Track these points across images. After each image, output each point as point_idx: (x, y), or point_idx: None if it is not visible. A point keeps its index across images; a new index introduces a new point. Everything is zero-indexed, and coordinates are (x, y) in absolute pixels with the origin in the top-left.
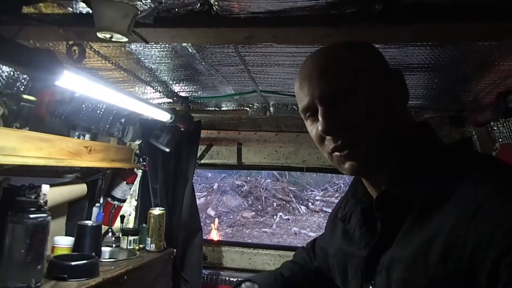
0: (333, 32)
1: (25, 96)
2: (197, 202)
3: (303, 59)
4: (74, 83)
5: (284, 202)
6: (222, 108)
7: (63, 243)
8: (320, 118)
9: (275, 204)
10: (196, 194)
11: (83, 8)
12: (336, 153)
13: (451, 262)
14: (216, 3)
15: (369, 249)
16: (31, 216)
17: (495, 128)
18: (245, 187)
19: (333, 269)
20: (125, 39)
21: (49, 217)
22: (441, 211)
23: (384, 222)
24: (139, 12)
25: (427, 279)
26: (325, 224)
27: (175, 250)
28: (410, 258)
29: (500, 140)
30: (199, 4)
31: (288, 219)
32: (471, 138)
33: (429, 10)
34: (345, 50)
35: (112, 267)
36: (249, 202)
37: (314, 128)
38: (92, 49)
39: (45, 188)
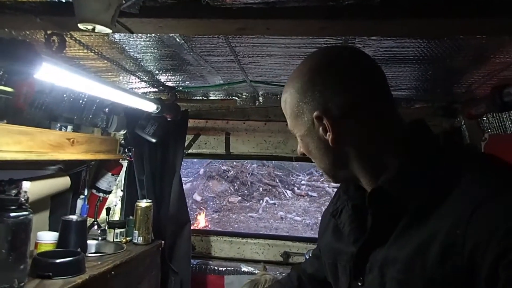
0: (330, 25)
1: (1, 87)
2: (183, 187)
3: (296, 50)
4: (53, 75)
5: (270, 187)
6: (210, 98)
7: (47, 238)
8: None
9: (261, 189)
10: (182, 179)
11: None
12: None
13: (449, 263)
14: None
15: (358, 245)
16: (12, 214)
17: (485, 119)
18: (231, 172)
19: (325, 267)
20: (108, 31)
21: (31, 215)
22: (439, 211)
23: (376, 218)
24: (124, 2)
25: (424, 280)
26: (310, 208)
27: (163, 242)
28: (407, 258)
29: (490, 130)
30: None
31: (274, 204)
32: (460, 129)
33: (430, 3)
34: (286, 97)
35: (99, 263)
36: (236, 187)
37: None
38: (73, 38)
39: (25, 185)
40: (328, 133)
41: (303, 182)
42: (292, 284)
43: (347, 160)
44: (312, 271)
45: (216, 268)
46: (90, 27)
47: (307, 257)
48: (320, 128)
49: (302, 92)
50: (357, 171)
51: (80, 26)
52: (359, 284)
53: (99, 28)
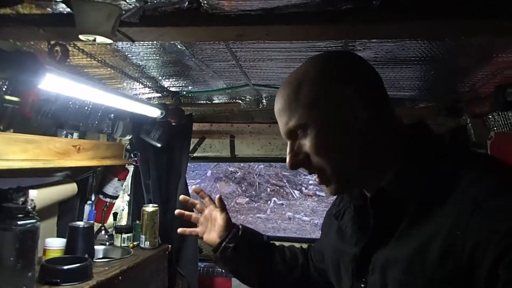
0: (329, 29)
1: (7, 97)
2: (190, 190)
3: (296, 54)
4: (58, 84)
5: (277, 187)
6: (214, 101)
7: (54, 245)
8: (287, 153)
9: (268, 189)
10: (190, 181)
11: (63, 8)
12: (315, 177)
13: (449, 262)
14: (205, 1)
15: (360, 246)
16: (20, 222)
17: (490, 117)
18: (239, 173)
19: (328, 268)
20: (109, 41)
21: (38, 222)
22: (439, 212)
23: (378, 220)
24: (124, 12)
25: (425, 280)
26: (318, 208)
27: (170, 246)
28: (407, 259)
29: (495, 128)
30: (187, 2)
31: (282, 204)
32: (465, 127)
33: (430, 5)
34: (297, 86)
35: (106, 268)
36: (243, 188)
37: None
38: (76, 47)
39: (32, 193)
40: (363, 111)
41: (310, 182)
42: (304, 258)
43: (364, 155)
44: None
45: (223, 271)
46: (91, 38)
47: None
48: (352, 109)
49: (328, 72)
50: (365, 172)
51: (81, 37)
52: (362, 285)
53: (100, 39)
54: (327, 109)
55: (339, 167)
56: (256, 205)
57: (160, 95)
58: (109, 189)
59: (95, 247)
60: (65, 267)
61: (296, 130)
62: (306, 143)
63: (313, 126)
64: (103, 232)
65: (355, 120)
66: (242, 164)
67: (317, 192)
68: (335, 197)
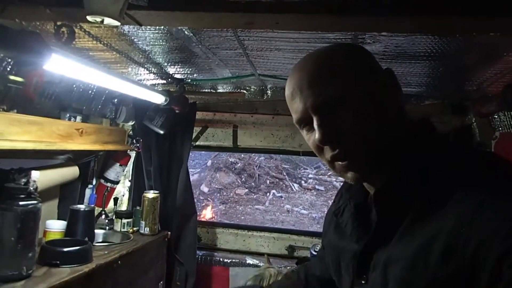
0: (340, 20)
1: (11, 77)
2: (191, 179)
3: (305, 45)
4: (63, 66)
5: (277, 180)
6: (218, 90)
7: (55, 227)
8: (315, 128)
9: (268, 181)
10: (190, 170)
11: None
12: (336, 162)
13: (452, 261)
14: None
15: (362, 244)
16: (21, 203)
17: (496, 116)
18: (239, 164)
19: (329, 265)
20: (117, 23)
21: (40, 203)
22: (442, 210)
23: (381, 217)
24: None
25: (427, 279)
26: (317, 202)
27: (169, 233)
28: (410, 257)
29: (500, 129)
30: None
31: (281, 197)
32: (470, 126)
33: (441, 0)
34: (334, 57)
35: (106, 252)
36: (243, 179)
37: (311, 137)
38: (82, 29)
39: (34, 174)
40: (390, 99)
41: (310, 175)
42: (301, 282)
43: (387, 140)
44: (320, 273)
45: (221, 259)
46: (98, 19)
47: (312, 251)
48: (385, 93)
49: (363, 53)
50: (382, 160)
51: (89, 18)
52: (363, 282)
53: (108, 20)
54: (368, 86)
55: (373, 145)
56: (255, 196)
57: (164, 81)
58: (111, 174)
59: (95, 231)
60: (65, 249)
61: (332, 102)
62: (348, 116)
63: (355, 100)
64: (103, 216)
65: (386, 103)
66: (242, 155)
67: (316, 186)
68: (335, 192)
